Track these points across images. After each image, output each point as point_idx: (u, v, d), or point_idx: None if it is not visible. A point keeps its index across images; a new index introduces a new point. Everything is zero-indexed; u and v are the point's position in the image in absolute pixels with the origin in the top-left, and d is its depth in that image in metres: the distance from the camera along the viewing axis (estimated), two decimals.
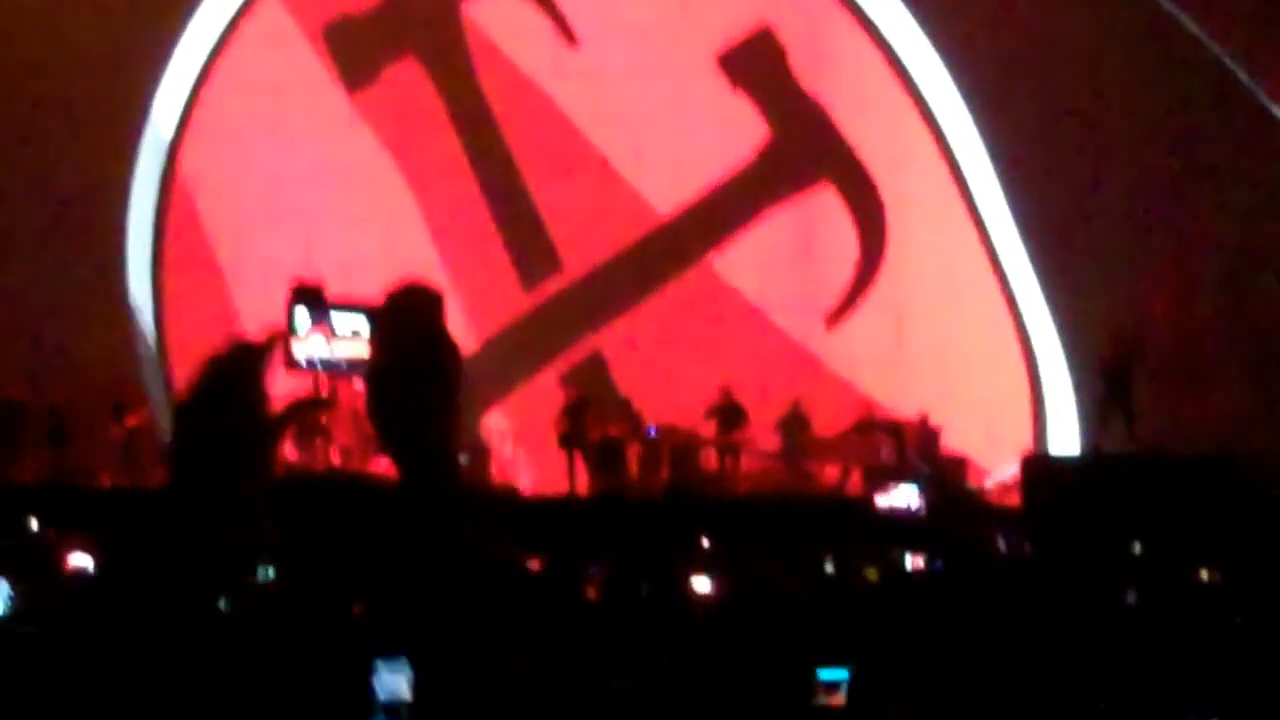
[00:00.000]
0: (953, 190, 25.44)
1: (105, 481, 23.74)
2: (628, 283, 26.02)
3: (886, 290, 25.48)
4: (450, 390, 4.51)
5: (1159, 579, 10.94)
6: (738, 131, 25.90)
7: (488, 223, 26.43)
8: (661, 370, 25.02)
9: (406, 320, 4.68)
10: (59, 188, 25.63)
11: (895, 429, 22.87)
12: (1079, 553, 13.47)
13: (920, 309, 25.16)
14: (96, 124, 25.70)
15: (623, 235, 26.13)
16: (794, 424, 23.97)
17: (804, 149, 25.88)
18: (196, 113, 26.54)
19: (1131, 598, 9.85)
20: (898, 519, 18.43)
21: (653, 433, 23.38)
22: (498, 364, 25.19)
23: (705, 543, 14.23)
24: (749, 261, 25.85)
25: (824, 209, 25.81)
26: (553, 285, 26.36)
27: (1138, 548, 13.44)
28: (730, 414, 23.66)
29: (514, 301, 26.17)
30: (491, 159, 26.43)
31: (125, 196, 26.44)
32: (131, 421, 24.81)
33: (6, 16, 26.06)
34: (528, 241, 26.39)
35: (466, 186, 26.42)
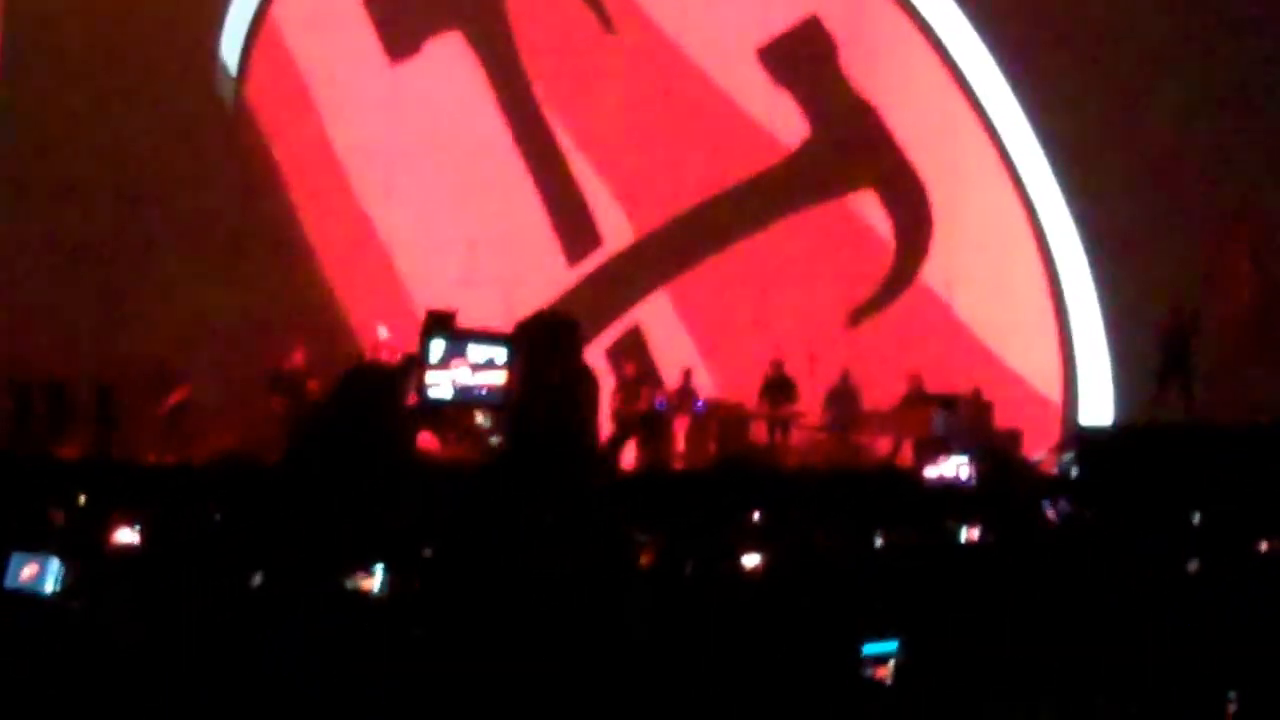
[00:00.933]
0: (1002, 175, 25.26)
1: (150, 458, 23.85)
2: (670, 256, 25.95)
3: (935, 269, 25.36)
4: (593, 412, 4.57)
5: (1218, 549, 10.80)
6: (779, 121, 25.77)
7: (533, 197, 26.40)
8: (709, 344, 24.93)
9: (552, 350, 4.76)
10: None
11: (947, 401, 22.70)
12: (1134, 523, 13.34)
13: (970, 293, 25.02)
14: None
15: (665, 210, 26.05)
16: (844, 397, 23.85)
17: (846, 140, 25.71)
18: None
19: (1191, 566, 9.74)
20: (948, 490, 18.28)
21: (701, 406, 23.28)
22: None
23: (755, 516, 14.10)
24: (799, 234, 25.75)
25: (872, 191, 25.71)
26: (596, 259, 26.29)
27: (1196, 518, 13.29)
28: (780, 387, 23.56)
29: (558, 277, 26.10)
30: (532, 132, 26.41)
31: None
32: (174, 399, 24.97)
33: None
34: (571, 216, 26.31)
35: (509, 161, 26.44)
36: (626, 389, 23.68)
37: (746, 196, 25.79)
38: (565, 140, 26.34)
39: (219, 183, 26.49)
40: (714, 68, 25.94)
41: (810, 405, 23.80)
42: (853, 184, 25.65)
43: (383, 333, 23.74)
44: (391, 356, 23.95)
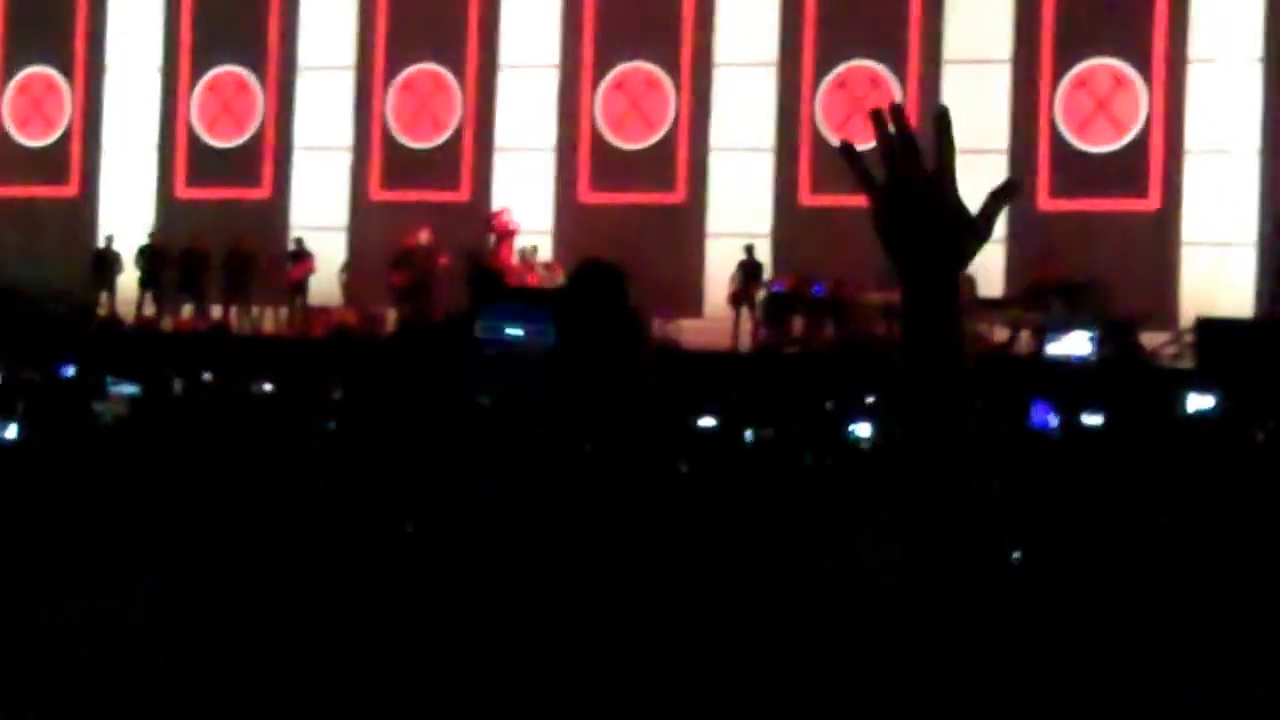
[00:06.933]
0: None
1: (268, 330, 24.20)
2: None
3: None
4: (641, 360, 4.51)
5: None
6: None
7: None
8: (829, 228, 24.73)
9: (595, 301, 4.68)
10: None
11: (1067, 289, 22.42)
12: (1255, 415, 13.14)
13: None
14: None
15: None
16: (962, 283, 23.61)
17: None
18: None
19: None
20: (1068, 370, 18.10)
21: (819, 290, 23.14)
22: None
23: (870, 400, 14.02)
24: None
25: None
26: None
27: None
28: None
29: None
30: None
31: None
32: (297, 273, 25.26)
33: None
34: None
35: None
36: (742, 273, 23.85)
37: None
38: None
39: None
40: None
41: None
42: None
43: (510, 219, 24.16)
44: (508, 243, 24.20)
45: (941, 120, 2.62)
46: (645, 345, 4.22)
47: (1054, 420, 12.30)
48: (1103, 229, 24.36)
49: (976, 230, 2.69)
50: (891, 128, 2.65)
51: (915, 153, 2.65)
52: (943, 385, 2.57)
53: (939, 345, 2.60)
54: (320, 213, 27.01)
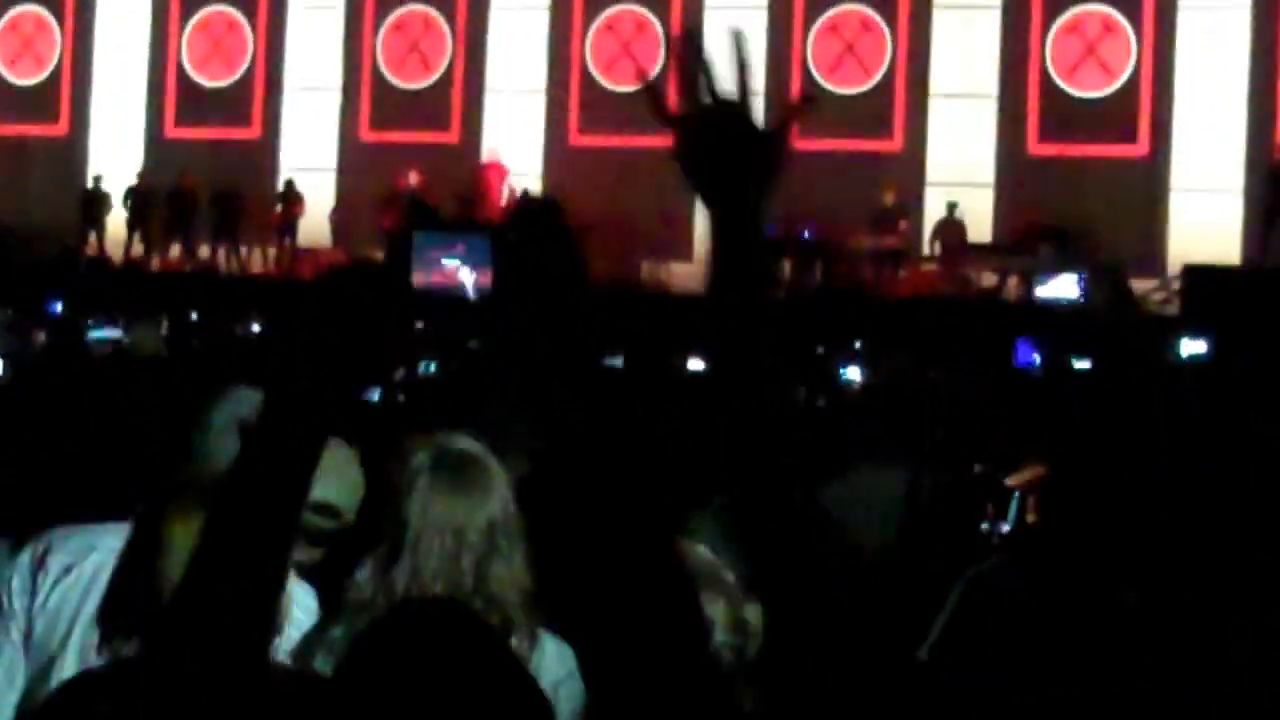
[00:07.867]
0: None
1: (256, 271, 24.19)
2: None
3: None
4: (582, 301, 4.46)
5: None
6: None
7: None
8: (819, 171, 24.69)
9: (535, 241, 4.63)
10: None
11: (1056, 234, 22.45)
12: (1241, 361, 13.18)
13: None
14: None
15: None
16: (951, 230, 23.66)
17: None
18: None
19: None
20: (1057, 311, 18.14)
21: (808, 234, 23.12)
22: None
23: (858, 344, 14.08)
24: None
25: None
26: None
27: None
28: (885, 219, 23.44)
29: None
30: None
31: None
32: (285, 216, 25.27)
33: None
34: None
35: None
36: None
37: None
38: None
39: None
40: None
41: (918, 238, 23.68)
42: None
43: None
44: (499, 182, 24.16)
45: (736, 41, 2.58)
46: (585, 281, 4.18)
47: (1038, 359, 12.36)
48: (1092, 174, 24.35)
49: (776, 147, 2.63)
50: (684, 56, 2.61)
51: (708, 79, 2.62)
52: (753, 319, 2.45)
53: (749, 278, 2.49)
54: (309, 153, 26.93)
